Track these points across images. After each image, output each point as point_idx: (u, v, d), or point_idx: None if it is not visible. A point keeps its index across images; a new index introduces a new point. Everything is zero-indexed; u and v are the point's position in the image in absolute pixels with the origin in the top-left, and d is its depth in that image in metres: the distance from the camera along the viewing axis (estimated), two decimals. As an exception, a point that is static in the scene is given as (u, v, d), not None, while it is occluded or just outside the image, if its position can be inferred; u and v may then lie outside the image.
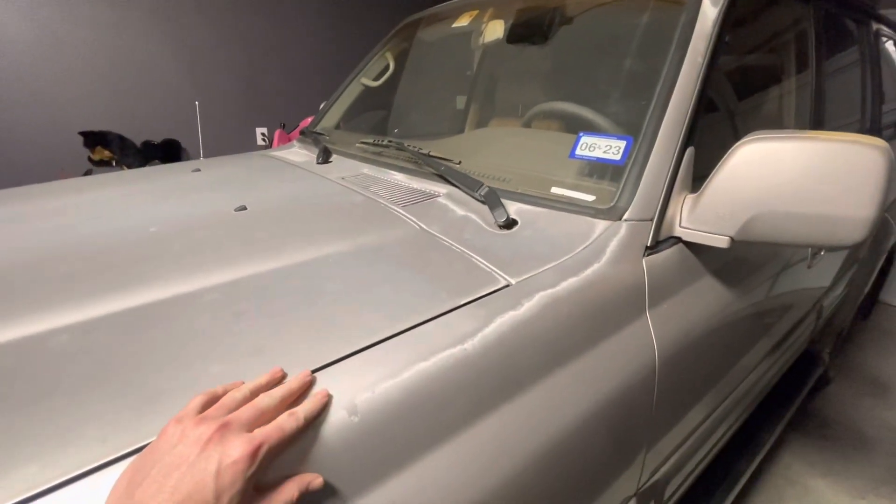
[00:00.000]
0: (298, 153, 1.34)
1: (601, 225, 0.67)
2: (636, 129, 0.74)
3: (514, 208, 0.74)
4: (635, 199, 0.68)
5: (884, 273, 2.44)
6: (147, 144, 2.90)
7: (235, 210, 0.80)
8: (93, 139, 2.70)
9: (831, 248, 0.61)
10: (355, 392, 0.42)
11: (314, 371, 0.43)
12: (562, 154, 0.80)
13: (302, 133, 1.57)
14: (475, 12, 1.30)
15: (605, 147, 0.75)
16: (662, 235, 0.70)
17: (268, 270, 0.61)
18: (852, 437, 1.85)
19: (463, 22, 1.34)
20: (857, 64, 1.53)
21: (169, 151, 2.97)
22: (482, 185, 0.76)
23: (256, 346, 0.47)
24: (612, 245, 0.65)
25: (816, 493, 1.59)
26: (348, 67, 3.56)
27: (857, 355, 2.38)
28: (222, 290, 0.56)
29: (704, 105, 0.78)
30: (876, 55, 1.74)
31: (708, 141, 0.80)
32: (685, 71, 0.75)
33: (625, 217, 0.68)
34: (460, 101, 1.29)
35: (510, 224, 0.70)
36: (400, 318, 0.50)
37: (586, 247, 0.65)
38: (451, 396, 0.46)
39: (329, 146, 1.24)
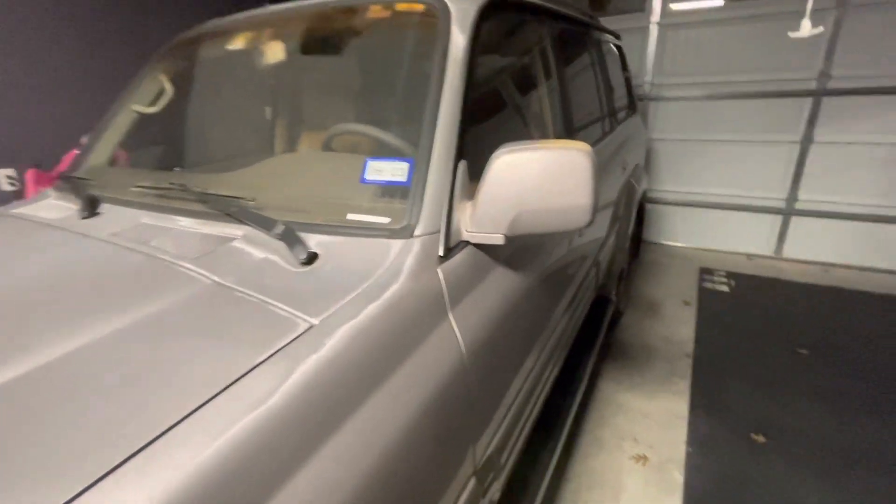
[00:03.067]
0: (54, 206, 1.10)
1: (397, 245, 0.73)
2: (415, 151, 0.82)
3: (314, 241, 0.75)
4: (422, 215, 0.76)
5: (641, 221, 3.16)
6: None
7: (-47, 306, 0.63)
8: None
9: (573, 230, 0.78)
10: (151, 491, 0.38)
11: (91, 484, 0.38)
12: (355, 179, 0.83)
13: (61, 178, 1.30)
14: (252, 33, 1.24)
15: (392, 170, 0.80)
16: (452, 242, 0.79)
17: (18, 377, 0.50)
18: (642, 352, 2.38)
19: (241, 44, 1.27)
20: (589, 67, 1.93)
21: None
22: (276, 222, 0.74)
23: (20, 473, 0.39)
24: (409, 262, 0.71)
25: (625, 405, 2.01)
26: (115, 84, 3.03)
27: (636, 287, 3.06)
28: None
29: (470, 120, 0.89)
30: (602, 57, 2.22)
31: (481, 151, 0.92)
32: (446, 94, 0.85)
33: (416, 233, 0.74)
34: (252, 125, 1.23)
35: (311, 259, 0.71)
36: (193, 395, 0.47)
37: (386, 268, 0.69)
38: (266, 455, 0.45)
39: (96, 194, 1.05)
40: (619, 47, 2.74)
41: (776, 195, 3.24)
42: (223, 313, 0.60)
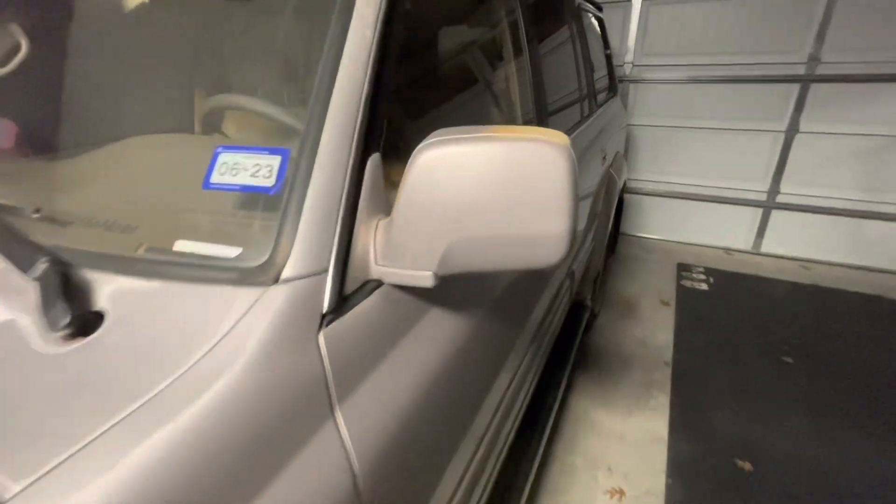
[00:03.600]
0: None
1: (246, 297, 0.43)
2: (294, 137, 0.52)
3: (108, 288, 0.44)
4: (297, 243, 0.46)
5: (619, 214, 2.94)
6: None
7: None
8: None
9: (536, 269, 0.50)
10: None
11: None
12: (199, 181, 0.52)
13: None
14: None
15: (253, 167, 0.50)
16: (352, 286, 0.50)
17: None
18: (617, 359, 2.17)
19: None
20: (567, 39, 1.63)
21: None
22: (36, 254, 0.43)
23: None
24: (262, 329, 0.41)
25: (599, 424, 1.80)
26: None
27: (612, 284, 2.85)
28: None
29: (395, 96, 0.60)
30: (583, 29, 1.93)
31: (414, 141, 0.63)
32: (350, 49, 0.54)
33: (284, 275, 0.45)
34: (107, 94, 0.89)
35: (87, 326, 0.41)
36: None
37: (217, 342, 0.40)
38: None
39: None
40: (600, 20, 2.45)
41: (757, 187, 3.07)
42: None
